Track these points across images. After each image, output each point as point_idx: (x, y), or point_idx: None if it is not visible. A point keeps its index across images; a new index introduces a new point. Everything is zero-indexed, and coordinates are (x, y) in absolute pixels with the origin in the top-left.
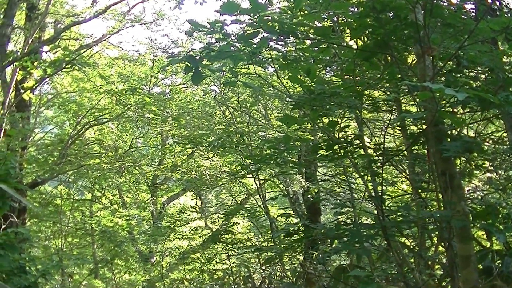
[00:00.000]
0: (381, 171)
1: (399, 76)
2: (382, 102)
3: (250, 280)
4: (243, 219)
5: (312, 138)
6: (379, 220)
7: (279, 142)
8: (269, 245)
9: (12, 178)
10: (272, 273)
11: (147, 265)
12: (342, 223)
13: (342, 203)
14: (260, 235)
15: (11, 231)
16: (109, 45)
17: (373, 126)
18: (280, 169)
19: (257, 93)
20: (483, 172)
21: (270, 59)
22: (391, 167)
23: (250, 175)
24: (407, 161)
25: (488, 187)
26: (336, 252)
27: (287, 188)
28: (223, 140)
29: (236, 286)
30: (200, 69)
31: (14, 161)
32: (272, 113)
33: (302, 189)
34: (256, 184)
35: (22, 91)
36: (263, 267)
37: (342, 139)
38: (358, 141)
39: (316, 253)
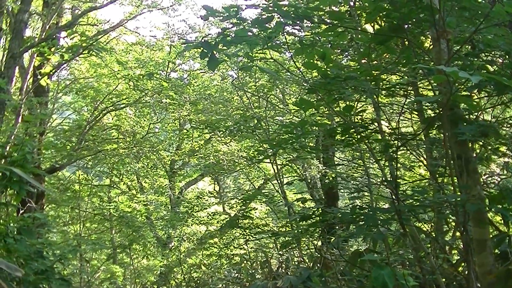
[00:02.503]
0: (396, 155)
1: (415, 60)
2: (398, 86)
3: (267, 265)
4: (261, 204)
5: (329, 122)
6: (394, 204)
7: (296, 126)
8: (286, 230)
9: (29, 163)
10: (289, 258)
11: (165, 251)
12: (358, 207)
13: (359, 187)
14: (277, 220)
15: (28, 216)
16: (126, 31)
17: (391, 111)
18: (297, 154)
19: (274, 78)
20: (500, 156)
21: (285, 44)
22: (409, 152)
23: (268, 160)
24: (424, 146)
25: (505, 171)
26: (351, 237)
27: (304, 173)
28: (240, 125)
29: (253, 271)
30: (215, 54)
31: (31, 146)
32: (290, 98)
33: (320, 174)
34: (274, 169)
35: (39, 77)
36: (280, 252)
37: (358, 123)
38: (374, 125)
39: (333, 238)
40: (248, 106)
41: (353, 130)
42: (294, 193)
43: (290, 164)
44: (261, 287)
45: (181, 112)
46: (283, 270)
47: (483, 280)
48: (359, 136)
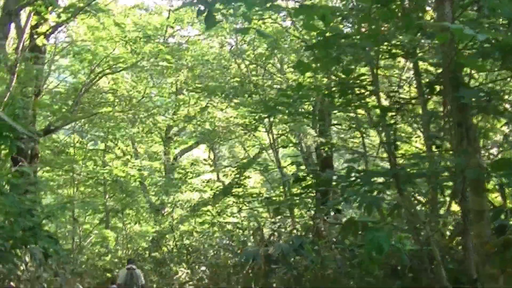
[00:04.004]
0: (395, 118)
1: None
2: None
3: (259, 232)
4: (256, 172)
5: (325, 83)
6: (391, 167)
7: (293, 90)
8: (280, 199)
9: (21, 119)
10: (282, 226)
11: (158, 216)
12: (353, 170)
13: (355, 153)
14: (272, 190)
15: (15, 170)
16: None
17: (388, 82)
18: (293, 122)
19: (273, 45)
20: (501, 126)
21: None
22: (406, 124)
23: (264, 130)
24: (422, 117)
25: (504, 144)
26: (345, 201)
27: (300, 142)
28: (237, 89)
29: (245, 238)
30: (213, 13)
31: (23, 103)
32: (288, 68)
33: (315, 143)
34: (270, 138)
35: (35, 36)
36: (273, 220)
37: (357, 85)
38: (371, 88)
39: (326, 207)
40: (246, 74)
41: (351, 91)
42: (288, 164)
43: (286, 134)
44: (253, 253)
45: (178, 76)
46: (275, 238)
47: (480, 250)
48: (356, 98)
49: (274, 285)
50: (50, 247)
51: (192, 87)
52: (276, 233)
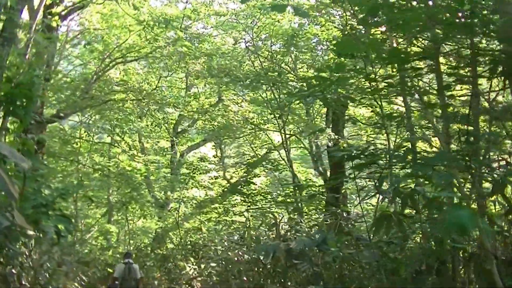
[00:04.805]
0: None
1: None
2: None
3: (275, 228)
4: (264, 172)
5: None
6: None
7: (331, 70)
8: (290, 200)
9: (36, 89)
10: (300, 222)
11: (162, 212)
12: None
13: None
14: (281, 189)
15: (31, 137)
16: None
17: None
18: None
19: (289, 42)
20: None
21: None
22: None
23: (276, 129)
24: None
25: None
26: (381, 191)
27: (312, 142)
28: (260, 75)
29: (258, 235)
30: None
31: (39, 70)
32: (301, 67)
33: (331, 142)
34: (282, 138)
35: (49, 17)
36: (290, 216)
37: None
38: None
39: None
40: (261, 71)
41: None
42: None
43: (296, 135)
44: (273, 247)
45: (193, 64)
46: (292, 235)
47: None
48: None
49: (289, 283)
50: (63, 226)
51: (208, 75)
52: (293, 229)
